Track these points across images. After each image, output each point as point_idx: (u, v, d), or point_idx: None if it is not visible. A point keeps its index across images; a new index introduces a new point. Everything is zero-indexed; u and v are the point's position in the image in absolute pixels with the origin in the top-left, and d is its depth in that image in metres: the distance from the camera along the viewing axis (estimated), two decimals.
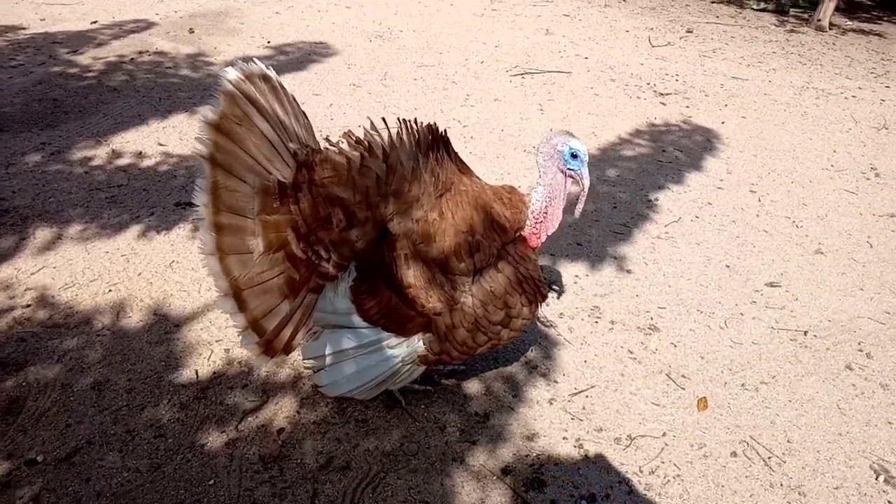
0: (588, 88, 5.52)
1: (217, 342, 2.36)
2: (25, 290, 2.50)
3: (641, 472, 2.06)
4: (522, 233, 2.01)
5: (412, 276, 1.84)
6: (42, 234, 2.82)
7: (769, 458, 2.16)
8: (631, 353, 2.57)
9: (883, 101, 5.97)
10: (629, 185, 3.95)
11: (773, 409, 2.37)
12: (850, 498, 2.05)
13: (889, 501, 2.06)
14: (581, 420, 2.23)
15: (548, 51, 6.42)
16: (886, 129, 5.31)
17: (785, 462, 2.15)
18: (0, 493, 1.76)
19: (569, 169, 1.98)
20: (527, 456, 2.06)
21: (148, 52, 5.08)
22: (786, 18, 8.87)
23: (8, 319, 2.35)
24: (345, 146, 1.84)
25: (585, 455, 2.09)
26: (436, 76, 5.40)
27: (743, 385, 2.47)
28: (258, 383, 2.21)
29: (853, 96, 6.02)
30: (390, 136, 1.81)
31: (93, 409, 2.04)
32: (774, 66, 6.67)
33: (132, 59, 4.88)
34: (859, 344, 2.75)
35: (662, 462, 2.10)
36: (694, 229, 3.53)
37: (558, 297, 2.83)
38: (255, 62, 1.76)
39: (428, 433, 2.10)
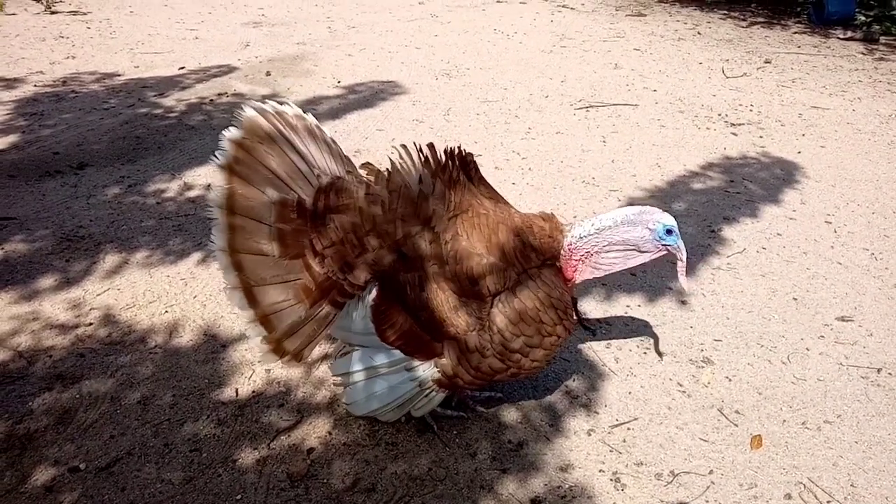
0: (655, 120, 5.42)
1: (259, 363, 2.42)
2: (91, 310, 2.66)
3: None
4: (557, 263, 1.96)
5: (425, 299, 1.84)
6: (111, 258, 3.01)
7: (828, 502, 1.99)
8: (680, 385, 2.44)
9: None
10: (693, 216, 3.81)
11: (836, 450, 2.18)
12: None
13: None
14: (620, 453, 2.13)
15: (615, 84, 6.36)
16: None
17: None
18: (43, 496, 1.85)
19: (664, 245, 1.94)
20: (559, 487, 1.98)
21: (227, 93, 5.40)
22: (875, 47, 8.43)
23: (71, 336, 2.51)
24: (364, 175, 1.92)
25: (622, 489, 1.99)
26: (499, 111, 5.45)
27: (804, 423, 2.29)
28: (294, 403, 2.24)
29: None
30: (394, 162, 1.86)
31: (136, 421, 2.13)
32: (860, 95, 6.33)
33: (211, 100, 5.21)
34: None
35: (707, 501, 1.97)
36: (759, 261, 3.35)
37: (600, 330, 2.74)
38: (288, 104, 1.91)
39: (458, 459, 2.06)
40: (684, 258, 1.98)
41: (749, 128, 5.31)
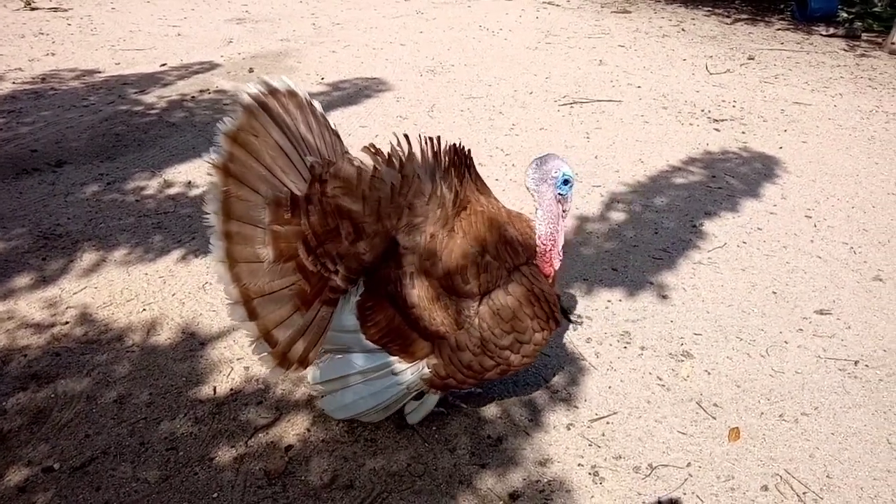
0: (638, 116, 5.43)
1: (238, 360, 2.40)
2: (67, 309, 2.63)
3: (660, 502, 1.94)
4: (535, 260, 1.96)
5: (416, 294, 1.82)
6: (89, 257, 2.98)
7: (804, 493, 2.00)
8: (660, 379, 2.45)
9: None
10: (675, 211, 3.82)
11: (813, 441, 2.20)
12: None
13: None
14: (599, 447, 2.13)
15: (599, 81, 6.38)
16: None
17: (822, 498, 1.99)
18: (16, 497, 1.83)
19: (559, 194, 1.92)
20: (537, 482, 1.99)
21: (209, 90, 5.36)
22: (857, 43, 8.50)
23: (47, 335, 2.48)
24: (363, 158, 1.86)
25: (600, 483, 2.00)
26: (483, 107, 5.45)
27: (781, 416, 2.31)
28: (273, 401, 2.23)
29: None
30: (409, 148, 1.82)
31: (112, 420, 2.11)
32: (841, 91, 6.38)
33: (193, 97, 5.16)
34: None
35: (684, 493, 1.98)
36: (740, 255, 3.37)
37: (581, 325, 2.74)
38: (281, 78, 1.81)
39: (437, 454, 2.06)
40: (569, 213, 1.97)
41: (731, 123, 5.34)
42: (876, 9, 9.90)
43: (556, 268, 1.97)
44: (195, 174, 3.85)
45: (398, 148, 1.83)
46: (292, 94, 1.82)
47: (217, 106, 5.02)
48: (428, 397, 2.03)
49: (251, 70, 5.94)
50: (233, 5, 8.74)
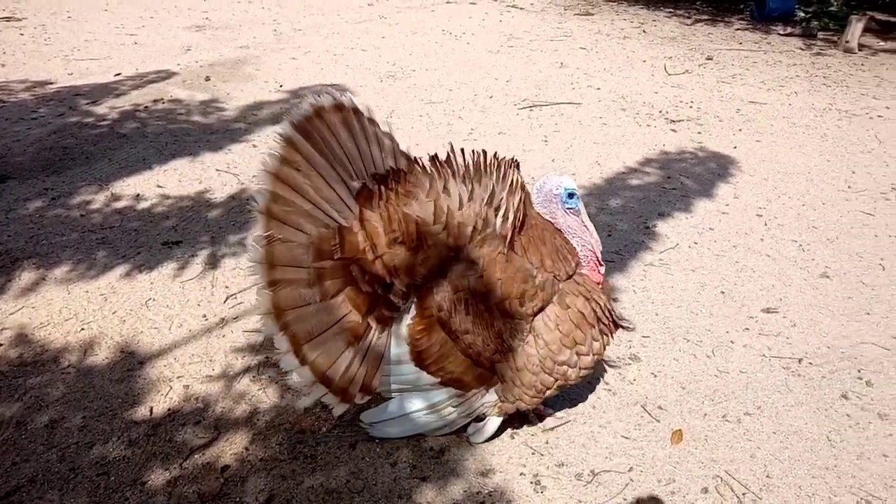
0: (597, 118, 5.46)
1: (178, 378, 2.36)
2: (2, 330, 2.56)
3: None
4: (581, 270, 1.96)
5: (471, 320, 1.80)
6: (28, 275, 2.91)
7: (744, 494, 2.01)
8: (607, 384, 2.45)
9: None
10: (629, 213, 3.84)
11: (754, 441, 2.21)
12: None
13: None
14: (542, 455, 2.12)
15: (560, 83, 6.40)
16: None
17: (761, 499, 2.00)
18: None
19: (568, 209, 1.95)
20: (478, 493, 1.97)
21: (163, 100, 5.28)
22: (813, 42, 8.65)
23: None
24: (429, 166, 1.83)
25: (541, 492, 1.99)
26: (442, 112, 5.44)
27: (724, 416, 2.32)
28: (212, 420, 2.19)
29: (879, 116, 5.78)
30: (479, 162, 1.81)
31: (42, 446, 2.05)
32: (796, 90, 6.48)
33: (146, 107, 5.08)
34: (859, 371, 2.57)
35: (625, 499, 1.98)
36: (691, 255, 3.39)
37: (634, 330, 2.73)
38: (328, 93, 1.71)
39: (377, 469, 2.03)
40: (584, 219, 2.00)
41: (688, 124, 5.39)
42: (832, 8, 10.11)
43: (602, 273, 1.98)
44: (144, 187, 3.78)
45: (458, 160, 1.81)
46: (338, 108, 1.71)
47: (171, 116, 4.94)
48: (490, 419, 2.04)
49: (208, 78, 5.87)
50: (193, 12, 8.63)
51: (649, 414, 2.31)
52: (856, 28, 8.11)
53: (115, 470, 1.98)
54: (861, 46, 8.21)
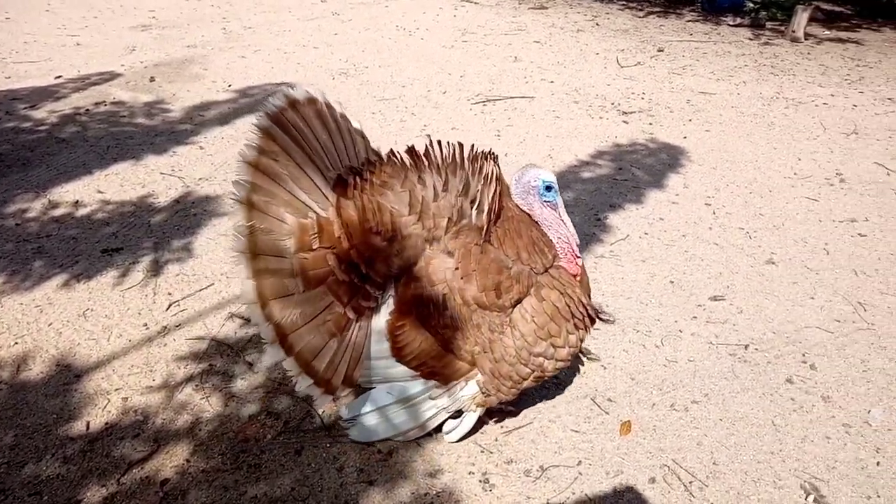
0: (550, 112, 5.48)
1: (116, 391, 2.28)
2: None
3: None
4: (558, 263, 1.96)
5: (449, 314, 1.80)
6: None
7: (691, 482, 2.03)
8: (556, 378, 2.45)
9: (855, 106, 5.86)
10: (580, 205, 3.86)
11: (701, 429, 2.23)
12: None
13: None
14: (492, 453, 2.11)
15: (514, 77, 6.41)
16: (856, 134, 5.19)
17: (707, 486, 2.01)
18: None
19: (545, 201, 1.95)
20: (426, 494, 1.95)
21: (105, 102, 5.12)
22: (761, 32, 8.82)
23: None
24: (405, 158, 1.82)
25: (490, 490, 1.97)
26: (395, 109, 5.39)
27: (672, 405, 2.34)
28: (151, 432, 2.12)
29: (824, 104, 5.91)
30: (449, 153, 1.80)
31: None
32: (745, 79, 6.59)
33: (87, 110, 4.92)
34: (804, 355, 2.61)
35: (573, 493, 1.98)
36: (641, 246, 3.42)
37: (614, 322, 2.73)
38: (299, 87, 1.71)
39: (323, 475, 1.99)
40: (561, 213, 2.01)
41: (640, 115, 5.44)
42: None
43: (580, 265, 1.98)
44: (83, 193, 3.66)
45: (436, 152, 1.80)
46: (311, 101, 1.72)
47: (113, 119, 4.79)
48: (467, 415, 2.02)
49: (153, 79, 5.72)
50: (139, 11, 8.40)
51: (599, 406, 2.32)
52: (802, 18, 8.29)
53: (48, 489, 1.90)
54: (807, 35, 8.40)
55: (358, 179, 1.77)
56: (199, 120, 4.87)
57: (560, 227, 1.97)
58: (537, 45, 7.74)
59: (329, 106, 1.73)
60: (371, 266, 1.78)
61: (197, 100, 5.31)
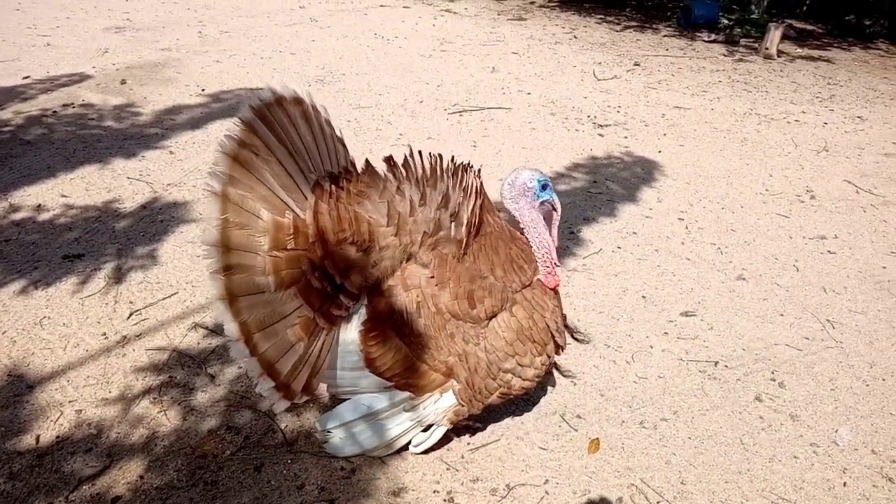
0: (526, 123, 5.48)
1: (70, 402, 2.19)
2: None
3: None
4: (539, 277, 1.94)
5: (423, 323, 1.78)
6: None
7: (658, 502, 2.00)
8: (526, 394, 2.41)
9: (825, 124, 5.96)
10: None
11: (670, 447, 2.21)
12: None
13: None
14: (457, 470, 2.06)
15: (491, 88, 6.41)
16: (826, 151, 5.26)
17: None
18: None
19: (542, 202, 1.92)
20: None
21: (74, 104, 5.00)
22: (735, 49, 8.96)
23: None
24: (383, 168, 1.79)
25: None
26: (371, 117, 5.35)
27: (641, 423, 2.31)
28: (105, 447, 2.04)
29: (796, 120, 6.00)
30: (428, 164, 1.77)
31: None
32: (719, 95, 6.67)
33: (55, 111, 4.80)
34: (773, 373, 2.61)
35: None
36: (614, 260, 3.41)
37: (589, 343, 2.71)
38: (287, 86, 1.65)
39: (283, 493, 1.93)
40: (559, 211, 1.99)
41: (615, 129, 5.47)
42: (753, 16, 10.50)
43: (558, 278, 1.96)
44: (46, 196, 3.56)
45: (415, 163, 1.77)
46: (298, 101, 1.65)
47: (81, 121, 4.68)
48: (437, 428, 1.99)
49: (124, 82, 5.61)
50: (113, 13, 8.28)
51: (567, 423, 2.29)
52: (774, 35, 8.43)
53: None
54: (780, 53, 8.56)
55: (334, 188, 1.73)
56: (169, 124, 4.78)
57: (544, 234, 1.94)
58: (515, 57, 7.76)
59: (315, 109, 1.68)
60: (345, 276, 1.74)
61: (169, 103, 5.21)
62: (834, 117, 6.14)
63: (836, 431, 2.33)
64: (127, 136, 4.50)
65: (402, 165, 1.79)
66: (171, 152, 4.30)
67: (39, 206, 3.47)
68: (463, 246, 1.79)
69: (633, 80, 7.00)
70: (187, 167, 4.07)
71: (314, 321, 1.76)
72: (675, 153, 4.99)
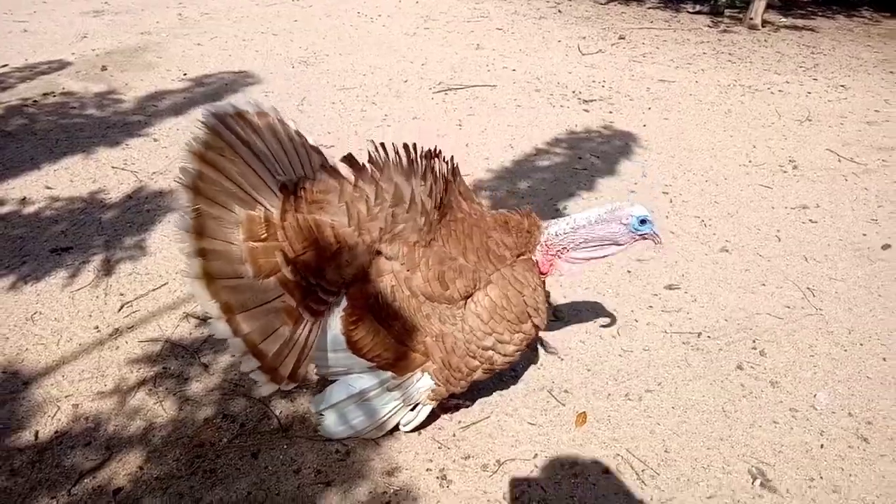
0: (511, 100, 5.48)
1: (67, 398, 2.23)
2: None
3: (505, 498, 1.96)
4: (532, 256, 1.96)
5: (399, 306, 1.82)
6: None
7: (643, 470, 2.07)
8: (514, 371, 2.47)
9: (809, 93, 5.98)
10: (539, 195, 3.88)
11: (654, 418, 2.28)
12: None
13: None
14: (449, 448, 2.12)
15: (476, 65, 6.38)
16: (809, 120, 5.30)
17: (659, 474, 2.06)
18: None
19: (641, 235, 1.96)
20: (384, 493, 1.95)
21: (54, 93, 4.96)
22: (720, 20, 8.93)
23: None
24: (343, 170, 1.80)
25: (447, 486, 1.99)
26: (355, 98, 5.33)
27: (627, 395, 2.38)
28: (103, 440, 2.08)
29: (780, 91, 6.02)
30: (386, 157, 1.77)
31: None
32: (703, 67, 6.67)
33: (35, 101, 4.77)
34: (754, 342, 2.68)
35: (529, 486, 2.00)
36: None
37: (570, 323, 2.75)
38: (249, 101, 1.72)
39: (280, 478, 1.98)
40: (661, 241, 2.05)
41: (600, 104, 5.48)
42: None
43: (562, 273, 1.99)
44: (31, 189, 3.55)
45: (376, 157, 1.78)
46: (262, 114, 1.71)
47: (63, 110, 4.65)
48: (423, 407, 2.03)
49: (104, 68, 5.56)
50: None
51: (555, 398, 2.35)
52: (759, 5, 8.41)
53: None
54: (765, 23, 8.54)
55: (293, 198, 1.77)
56: (152, 111, 4.75)
57: (595, 251, 1.98)
58: (500, 33, 7.72)
59: (282, 122, 1.73)
60: (320, 277, 1.79)
61: (151, 89, 5.18)
62: (817, 87, 6.17)
63: (815, 396, 2.40)
64: (109, 124, 4.48)
65: (368, 161, 1.81)
66: (155, 139, 4.29)
67: (24, 199, 3.46)
68: (425, 232, 1.82)
69: (618, 54, 6.98)
70: (172, 154, 4.06)
71: (297, 310, 1.81)
72: (659, 127, 5.01)
